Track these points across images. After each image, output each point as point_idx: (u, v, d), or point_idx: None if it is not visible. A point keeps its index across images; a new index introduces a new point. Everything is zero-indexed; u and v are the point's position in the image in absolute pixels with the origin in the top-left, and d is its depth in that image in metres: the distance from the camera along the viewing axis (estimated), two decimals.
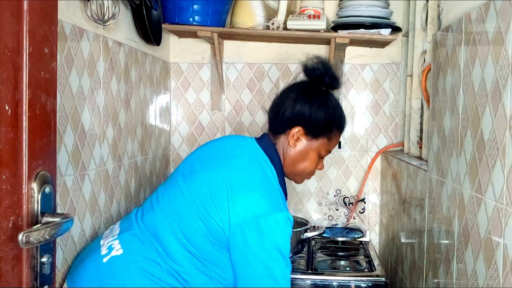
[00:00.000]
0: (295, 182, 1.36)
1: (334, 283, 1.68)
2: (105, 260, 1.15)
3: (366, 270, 1.79)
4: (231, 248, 1.13)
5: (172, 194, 1.20)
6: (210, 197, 1.13)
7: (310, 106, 1.24)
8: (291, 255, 1.80)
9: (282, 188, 1.23)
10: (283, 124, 1.26)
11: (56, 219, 0.74)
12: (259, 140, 1.29)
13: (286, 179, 1.33)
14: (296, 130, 1.24)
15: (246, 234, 1.10)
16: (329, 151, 1.31)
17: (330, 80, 1.28)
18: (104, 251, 1.17)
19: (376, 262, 1.85)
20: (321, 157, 1.30)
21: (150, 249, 1.14)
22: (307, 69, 1.28)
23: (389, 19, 1.99)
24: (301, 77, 1.32)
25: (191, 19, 1.95)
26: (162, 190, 1.25)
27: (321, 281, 1.69)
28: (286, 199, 1.28)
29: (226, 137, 1.42)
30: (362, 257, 1.94)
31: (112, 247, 1.17)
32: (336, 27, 2.00)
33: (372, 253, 1.98)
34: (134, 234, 1.18)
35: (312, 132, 1.25)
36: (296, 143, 1.25)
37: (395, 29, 2.00)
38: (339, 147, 2.22)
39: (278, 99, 1.30)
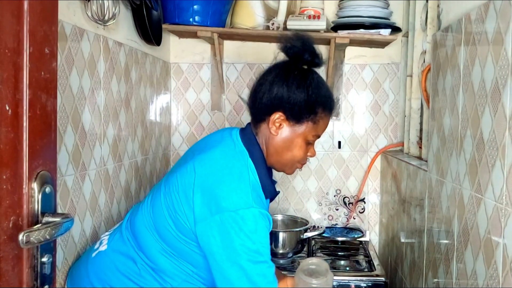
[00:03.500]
0: (286, 173, 1.24)
1: (334, 283, 1.68)
2: (93, 254, 1.20)
3: (366, 270, 1.79)
4: (201, 246, 1.07)
5: (155, 192, 1.19)
6: (179, 191, 1.09)
7: (288, 88, 1.12)
8: (290, 255, 1.80)
9: (266, 183, 1.14)
10: (262, 111, 1.15)
11: (57, 219, 0.74)
12: (242, 131, 1.20)
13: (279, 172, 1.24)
14: (277, 116, 1.13)
15: (210, 232, 1.03)
16: (318, 136, 1.18)
17: (310, 56, 1.15)
18: (96, 245, 1.24)
19: (376, 262, 1.85)
20: (309, 143, 1.17)
21: (129, 246, 1.16)
22: (284, 47, 1.16)
23: (389, 19, 1.99)
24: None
25: (191, 19, 1.95)
26: (152, 189, 1.26)
27: None
28: (276, 193, 1.20)
29: (217, 131, 1.33)
30: (362, 257, 1.94)
31: (102, 242, 1.23)
32: (336, 27, 2.00)
33: (372, 253, 1.98)
34: (120, 230, 1.22)
35: (294, 116, 1.13)
36: (278, 131, 1.14)
37: (395, 29, 2.00)
38: (339, 147, 2.23)
39: (256, 84, 1.19)
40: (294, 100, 1.12)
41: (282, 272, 1.70)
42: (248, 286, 1.02)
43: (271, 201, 1.23)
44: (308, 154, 1.19)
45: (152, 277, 1.13)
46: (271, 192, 1.17)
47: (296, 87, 1.12)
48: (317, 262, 1.24)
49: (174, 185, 1.11)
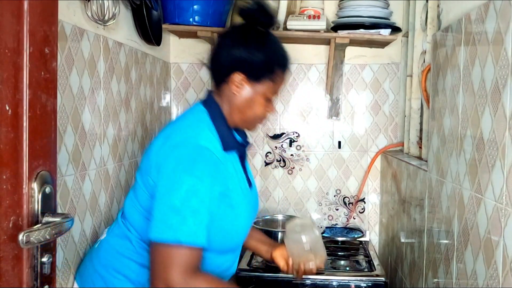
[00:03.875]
0: (248, 130, 1.29)
1: (334, 283, 1.68)
2: (96, 245, 1.28)
3: (366, 270, 1.79)
4: None
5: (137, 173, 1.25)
6: (148, 158, 1.16)
7: (248, 49, 1.17)
8: None
9: (225, 135, 1.19)
10: (222, 72, 1.20)
11: (57, 219, 0.74)
12: (204, 99, 1.26)
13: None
14: (238, 77, 1.18)
15: (159, 187, 1.09)
16: (276, 93, 1.24)
17: (265, 19, 1.21)
18: (99, 237, 1.32)
19: (376, 262, 1.85)
20: (269, 100, 1.23)
21: (123, 227, 1.22)
22: (241, 10, 1.22)
23: (389, 19, 1.99)
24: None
25: (191, 19, 1.95)
26: None
27: (321, 281, 1.68)
28: (246, 147, 1.27)
29: None
30: (362, 257, 1.94)
31: (103, 233, 1.30)
32: (336, 27, 2.00)
33: (372, 253, 1.98)
34: (117, 218, 1.28)
35: (253, 76, 1.18)
36: (239, 90, 1.19)
37: (395, 29, 2.00)
38: (339, 147, 2.23)
39: (216, 47, 1.24)
40: (253, 61, 1.18)
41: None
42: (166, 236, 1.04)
43: (242, 158, 1.28)
44: (267, 109, 1.25)
45: (147, 252, 1.15)
46: (232, 146, 1.21)
47: (255, 49, 1.18)
48: (301, 221, 1.36)
49: (146, 158, 1.19)
